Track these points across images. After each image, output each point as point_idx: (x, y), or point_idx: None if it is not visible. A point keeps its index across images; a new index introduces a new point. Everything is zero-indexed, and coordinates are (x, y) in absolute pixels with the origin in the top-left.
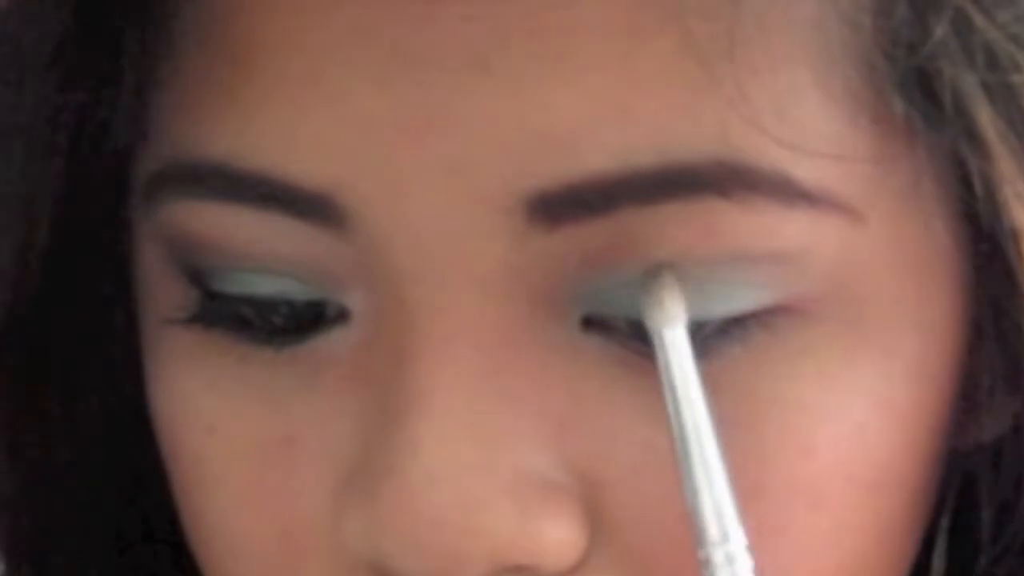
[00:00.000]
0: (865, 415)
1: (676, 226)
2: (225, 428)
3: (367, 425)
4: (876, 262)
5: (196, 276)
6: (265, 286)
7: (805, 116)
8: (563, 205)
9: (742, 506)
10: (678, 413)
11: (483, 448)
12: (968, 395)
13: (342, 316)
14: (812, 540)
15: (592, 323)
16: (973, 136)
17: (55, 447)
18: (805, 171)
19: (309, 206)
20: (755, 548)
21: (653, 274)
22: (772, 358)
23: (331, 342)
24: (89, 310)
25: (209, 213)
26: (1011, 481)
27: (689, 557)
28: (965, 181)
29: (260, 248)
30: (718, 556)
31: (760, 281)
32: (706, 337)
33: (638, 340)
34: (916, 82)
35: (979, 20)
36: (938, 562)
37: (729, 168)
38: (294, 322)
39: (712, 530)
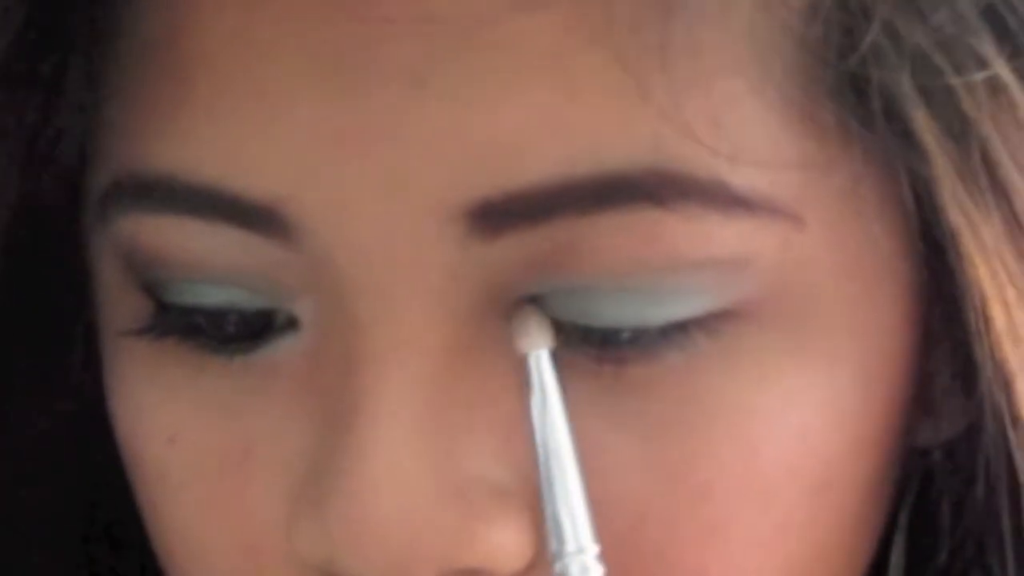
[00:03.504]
0: (810, 417)
1: (615, 234)
2: (184, 438)
3: (318, 433)
4: (817, 265)
5: (149, 288)
6: (215, 296)
7: (740, 124)
8: (503, 214)
9: (690, 508)
10: (541, 429)
11: (429, 454)
12: (923, 395)
13: (291, 324)
14: (758, 540)
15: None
16: (910, 139)
17: (15, 455)
18: (742, 178)
19: (255, 218)
20: (702, 548)
21: (518, 306)
22: (715, 362)
23: (281, 350)
24: (46, 319)
25: (159, 226)
26: (966, 478)
27: (639, 559)
28: (905, 183)
29: (210, 259)
30: (574, 567)
31: (702, 287)
32: (648, 341)
33: (584, 343)
34: (849, 87)
35: (907, 28)
36: (896, 557)
37: (664, 177)
38: (245, 330)
39: (570, 542)
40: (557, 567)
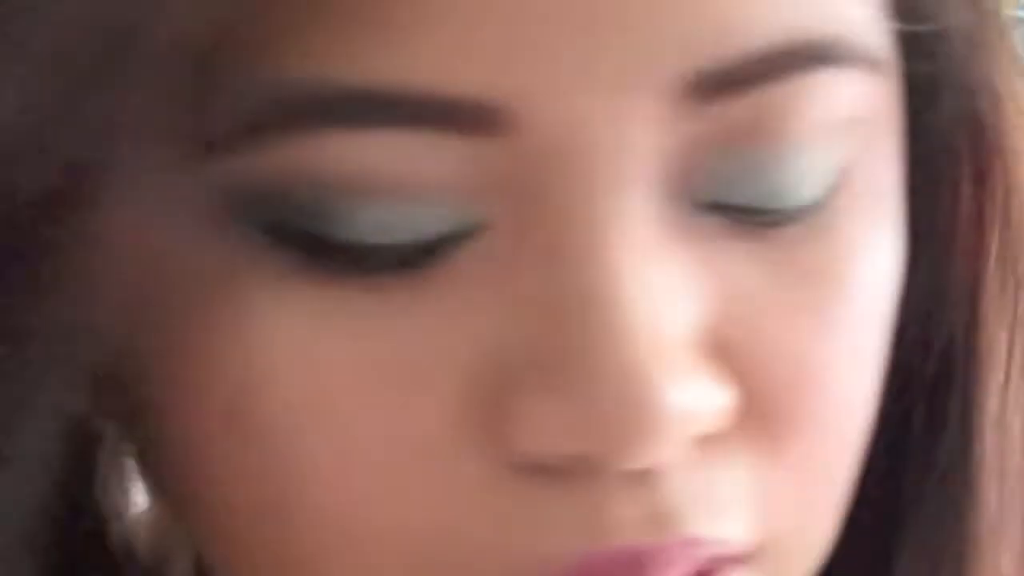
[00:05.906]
0: (887, 263)
1: (803, 99)
2: (334, 372)
3: (516, 325)
4: (880, 119)
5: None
6: (380, 217)
7: None
8: (717, 83)
9: (831, 338)
10: None
11: (668, 308)
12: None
13: (468, 234)
14: (868, 366)
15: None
16: None
17: None
18: (878, 36)
19: (473, 117)
20: (840, 375)
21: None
22: (842, 215)
23: (459, 259)
24: None
25: (339, 143)
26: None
27: (829, 423)
28: None
29: (391, 174)
30: None
31: (842, 145)
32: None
33: (748, 216)
34: None
35: None
36: None
37: (843, 40)
38: (411, 250)
39: None
40: None
